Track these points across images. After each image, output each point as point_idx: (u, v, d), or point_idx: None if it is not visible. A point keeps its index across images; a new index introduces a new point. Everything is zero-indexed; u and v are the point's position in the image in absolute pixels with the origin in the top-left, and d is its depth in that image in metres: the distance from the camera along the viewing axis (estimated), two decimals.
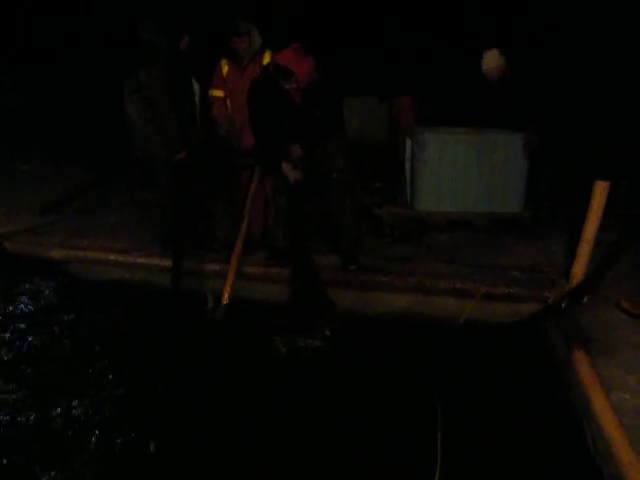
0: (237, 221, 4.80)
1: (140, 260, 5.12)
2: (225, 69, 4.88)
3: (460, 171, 5.45)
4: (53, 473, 3.00)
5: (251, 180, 4.85)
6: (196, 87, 5.21)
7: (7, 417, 3.43)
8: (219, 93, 4.93)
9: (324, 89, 4.45)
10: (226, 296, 4.47)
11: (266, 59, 4.85)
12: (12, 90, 10.54)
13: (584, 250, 4.17)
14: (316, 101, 4.45)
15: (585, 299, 4.18)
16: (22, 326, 4.44)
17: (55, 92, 10.95)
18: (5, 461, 3.08)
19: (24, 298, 4.82)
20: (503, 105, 5.25)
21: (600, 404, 3.10)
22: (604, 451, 2.91)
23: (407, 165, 5.79)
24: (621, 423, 2.93)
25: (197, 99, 5.22)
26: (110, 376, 3.83)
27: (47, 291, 4.92)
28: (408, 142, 5.69)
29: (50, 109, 10.29)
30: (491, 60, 5.31)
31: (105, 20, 10.42)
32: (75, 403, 3.54)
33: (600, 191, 4.02)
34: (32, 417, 3.43)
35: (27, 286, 4.97)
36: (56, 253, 5.32)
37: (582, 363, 3.49)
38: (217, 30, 4.95)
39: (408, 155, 5.74)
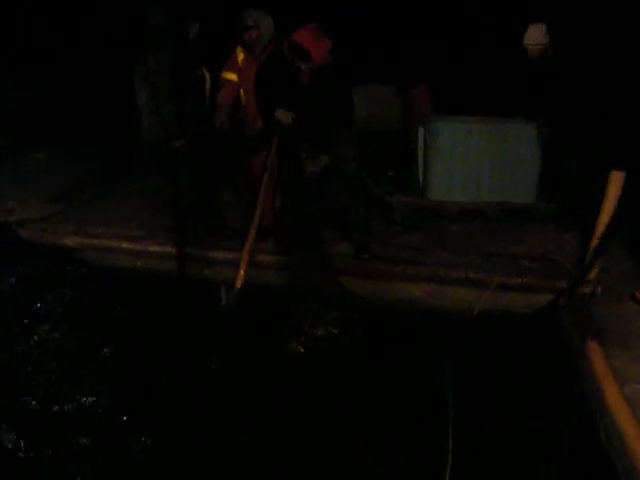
0: (249, 210, 4.78)
1: (152, 248, 5.14)
2: (240, 57, 4.84)
3: (472, 160, 5.43)
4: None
5: (265, 169, 4.84)
6: (208, 76, 5.16)
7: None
8: (232, 77, 4.87)
9: (333, 74, 4.41)
10: (239, 282, 4.47)
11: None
12: (13, 89, 10.53)
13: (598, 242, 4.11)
14: (324, 86, 4.41)
15: (599, 290, 4.16)
16: (38, 311, 4.50)
17: (59, 83, 10.94)
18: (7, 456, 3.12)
19: (39, 284, 4.86)
20: (540, 85, 5.14)
21: (614, 396, 3.11)
22: (618, 444, 2.90)
23: (419, 154, 5.76)
24: (635, 415, 2.93)
25: (208, 86, 5.18)
26: (117, 365, 3.89)
27: (61, 277, 4.97)
28: (421, 131, 5.66)
29: (55, 100, 10.29)
30: (535, 35, 5.11)
31: (110, 7, 10.45)
32: (81, 392, 3.59)
33: (616, 181, 3.98)
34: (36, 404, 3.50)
35: (41, 272, 5.01)
36: (70, 241, 5.36)
37: (596, 355, 3.49)
38: (228, 18, 4.90)
39: (421, 144, 5.71)
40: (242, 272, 4.51)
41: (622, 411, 2.98)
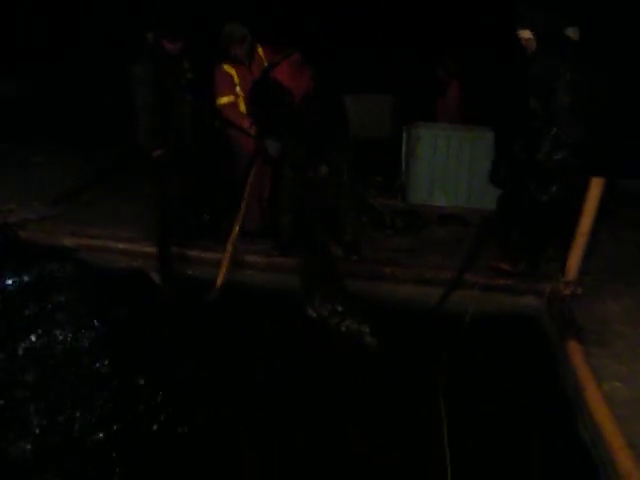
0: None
1: (146, 249, 5.21)
2: (233, 72, 4.91)
3: (452, 166, 5.57)
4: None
5: (250, 167, 4.97)
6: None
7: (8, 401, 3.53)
8: (229, 99, 4.95)
9: (321, 98, 4.54)
10: (220, 280, 4.63)
11: (260, 51, 4.96)
12: (13, 92, 10.54)
13: (579, 243, 4.26)
14: (314, 108, 4.52)
15: (579, 291, 4.32)
16: (33, 309, 4.54)
17: (59, 86, 10.98)
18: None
19: (37, 282, 4.94)
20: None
21: (593, 393, 3.24)
22: (596, 438, 3.04)
23: (403, 159, 5.92)
24: (612, 411, 3.07)
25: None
26: (112, 363, 3.93)
27: (58, 277, 5.04)
28: (404, 137, 5.82)
29: (55, 104, 10.34)
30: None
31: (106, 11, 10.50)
32: (77, 389, 3.65)
33: (596, 187, 4.11)
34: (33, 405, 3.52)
35: (39, 271, 5.08)
36: (68, 241, 5.44)
37: (576, 354, 3.62)
38: (213, 34, 4.97)
39: (404, 150, 5.88)
40: (223, 271, 4.66)
41: (600, 407, 3.11)
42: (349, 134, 4.75)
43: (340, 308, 4.26)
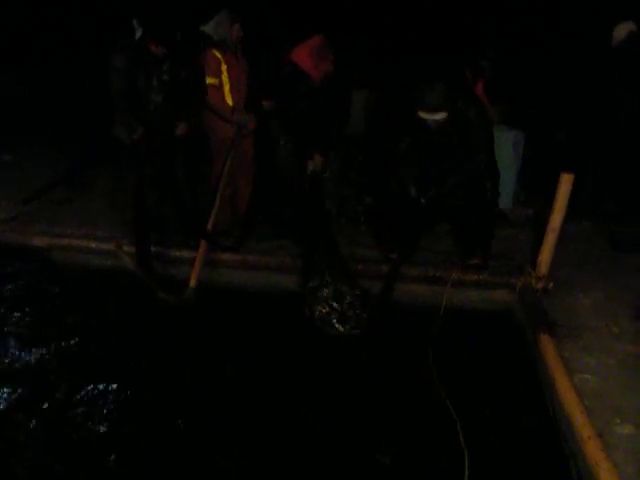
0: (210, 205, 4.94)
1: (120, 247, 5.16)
2: (220, 58, 4.85)
3: None
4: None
5: (224, 163, 4.97)
6: None
7: None
8: (214, 81, 4.89)
9: (336, 85, 4.66)
10: (194, 280, 4.60)
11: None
12: None
13: (550, 239, 4.32)
14: (328, 93, 4.63)
15: (550, 286, 4.38)
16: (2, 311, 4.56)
17: (31, 82, 10.84)
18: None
19: (6, 284, 4.91)
20: None
21: (563, 385, 3.29)
22: (566, 429, 3.12)
23: None
24: (581, 402, 3.13)
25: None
26: (88, 365, 3.95)
27: (27, 277, 5.01)
28: None
29: (28, 99, 10.20)
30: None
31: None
32: (51, 390, 3.65)
33: (565, 182, 4.17)
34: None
35: (9, 272, 5.06)
36: (38, 241, 5.37)
37: (548, 347, 3.68)
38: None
39: None
40: (197, 271, 4.64)
41: (570, 399, 3.16)
42: (346, 126, 4.92)
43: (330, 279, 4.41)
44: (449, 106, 4.05)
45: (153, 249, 4.96)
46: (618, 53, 5.16)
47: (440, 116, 4.07)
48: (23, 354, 4.02)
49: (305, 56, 4.56)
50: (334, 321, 4.27)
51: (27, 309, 4.56)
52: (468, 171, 4.27)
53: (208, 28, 4.86)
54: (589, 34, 5.88)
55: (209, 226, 4.84)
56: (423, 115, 4.08)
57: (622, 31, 5.17)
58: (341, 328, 4.25)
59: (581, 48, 6.01)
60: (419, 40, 9.23)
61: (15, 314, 4.50)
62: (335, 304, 4.32)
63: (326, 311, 4.32)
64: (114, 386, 3.70)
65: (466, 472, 2.94)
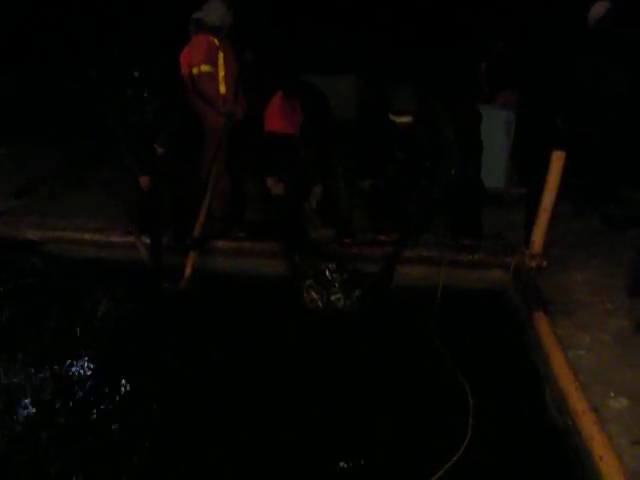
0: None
1: (114, 239, 5.19)
2: (217, 43, 4.76)
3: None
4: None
5: (215, 154, 4.92)
6: None
7: None
8: (210, 69, 4.77)
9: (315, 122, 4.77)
10: (189, 268, 4.63)
11: None
12: None
13: (542, 218, 4.34)
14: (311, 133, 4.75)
15: (544, 264, 4.39)
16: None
17: (31, 82, 10.82)
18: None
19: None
20: None
21: (558, 362, 3.32)
22: (560, 404, 3.14)
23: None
24: (576, 378, 3.15)
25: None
26: (83, 355, 3.96)
27: (23, 270, 5.03)
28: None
29: (28, 99, 10.19)
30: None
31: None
32: (46, 384, 3.66)
33: (557, 160, 4.18)
34: None
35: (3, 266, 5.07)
36: (32, 234, 5.37)
37: (542, 324, 3.71)
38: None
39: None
40: (191, 259, 4.66)
41: (565, 375, 3.19)
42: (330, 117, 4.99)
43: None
44: (415, 109, 4.15)
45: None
46: (598, 33, 5.14)
47: (406, 119, 4.18)
48: (18, 346, 4.04)
49: (278, 121, 4.69)
50: (327, 302, 4.33)
51: (21, 301, 4.58)
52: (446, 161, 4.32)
53: (202, 14, 4.79)
54: (569, 18, 5.88)
55: (195, 232, 4.79)
56: (391, 117, 4.21)
57: (600, 8, 5.15)
58: (338, 305, 4.32)
59: (564, 33, 5.98)
60: (414, 38, 9.23)
61: (10, 306, 4.52)
62: (323, 289, 4.37)
63: (317, 295, 4.36)
64: (108, 375, 3.73)
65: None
